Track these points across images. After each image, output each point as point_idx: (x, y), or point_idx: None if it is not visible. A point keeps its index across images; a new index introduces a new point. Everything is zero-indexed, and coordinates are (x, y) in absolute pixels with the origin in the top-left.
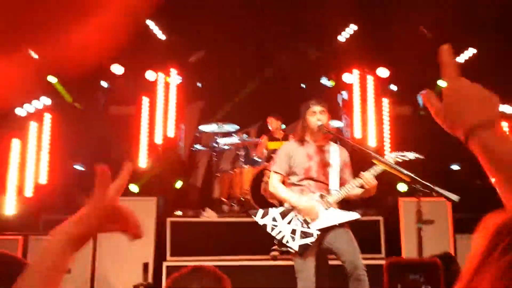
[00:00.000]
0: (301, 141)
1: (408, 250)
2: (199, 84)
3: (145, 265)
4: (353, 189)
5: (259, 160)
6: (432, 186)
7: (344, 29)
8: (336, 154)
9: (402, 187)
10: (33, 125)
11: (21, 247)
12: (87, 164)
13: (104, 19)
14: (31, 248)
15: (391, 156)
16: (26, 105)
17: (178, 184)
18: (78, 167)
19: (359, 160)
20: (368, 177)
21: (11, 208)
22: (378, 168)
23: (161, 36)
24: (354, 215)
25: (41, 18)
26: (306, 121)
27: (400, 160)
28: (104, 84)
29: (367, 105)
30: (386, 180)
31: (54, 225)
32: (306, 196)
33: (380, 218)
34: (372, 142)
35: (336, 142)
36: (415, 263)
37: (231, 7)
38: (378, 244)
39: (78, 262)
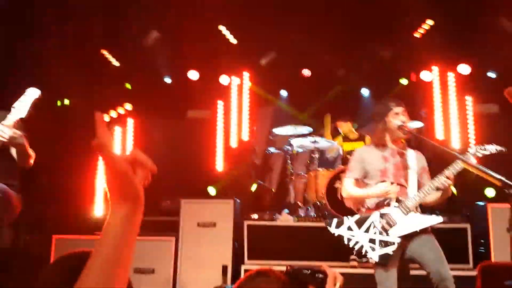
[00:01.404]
0: (379, 144)
1: (498, 260)
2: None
3: (224, 268)
4: (430, 192)
5: (335, 162)
6: None
7: (419, 24)
8: (413, 158)
9: (490, 192)
10: (117, 130)
11: None
12: (165, 168)
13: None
14: None
15: (471, 152)
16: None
17: (254, 187)
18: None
19: (442, 162)
20: (443, 178)
21: (100, 210)
22: (455, 167)
23: (233, 40)
24: (437, 219)
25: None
26: (388, 123)
27: (480, 155)
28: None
29: (449, 104)
30: (473, 185)
31: (144, 226)
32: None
33: (468, 225)
34: (455, 144)
35: (415, 145)
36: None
37: (301, 8)
38: (466, 254)
39: (160, 263)
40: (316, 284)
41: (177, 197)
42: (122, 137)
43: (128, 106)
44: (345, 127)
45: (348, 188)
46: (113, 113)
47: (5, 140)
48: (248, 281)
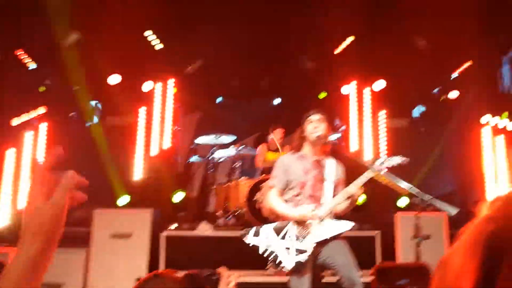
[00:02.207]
0: (298, 153)
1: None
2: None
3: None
4: (342, 200)
5: (256, 172)
6: (431, 198)
7: (341, 40)
8: (332, 169)
9: (402, 201)
10: (28, 135)
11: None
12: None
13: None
14: None
15: (379, 162)
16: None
17: (177, 197)
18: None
19: (355, 172)
20: (355, 188)
21: (3, 221)
22: (365, 176)
23: (159, 45)
24: (348, 225)
25: None
26: (304, 131)
27: (387, 165)
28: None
29: (363, 117)
30: (384, 195)
31: None
32: (301, 207)
33: (376, 233)
34: (368, 155)
35: (333, 155)
36: (403, 267)
37: (229, 19)
38: (373, 260)
39: (70, 275)
40: (211, 284)
41: (90, 206)
42: (33, 142)
43: (42, 110)
44: (279, 135)
45: (271, 200)
46: (24, 117)
47: None
48: (145, 283)
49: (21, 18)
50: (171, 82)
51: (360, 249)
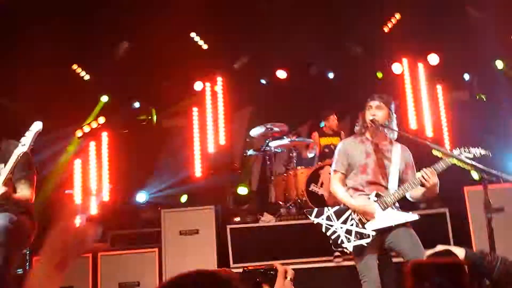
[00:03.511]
0: (360, 137)
1: (478, 242)
2: (263, 81)
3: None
4: (412, 188)
5: (312, 160)
6: (500, 173)
7: (388, 19)
8: (397, 154)
9: (471, 175)
10: (92, 144)
11: (91, 262)
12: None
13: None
14: (100, 263)
15: (456, 153)
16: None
17: (239, 191)
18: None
19: (419, 155)
20: (428, 173)
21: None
22: (442, 164)
23: (204, 45)
24: (412, 216)
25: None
26: (363, 116)
27: (464, 158)
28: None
29: (420, 94)
30: (451, 171)
31: (121, 240)
32: (362, 198)
33: (446, 210)
34: (429, 132)
35: (401, 140)
36: (438, 265)
37: (270, 11)
38: (446, 239)
39: (145, 276)
40: (267, 280)
41: (156, 207)
42: (96, 151)
43: (102, 119)
44: (334, 121)
45: (333, 185)
46: (86, 128)
47: None
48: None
49: (75, 33)
50: (219, 80)
51: (431, 228)
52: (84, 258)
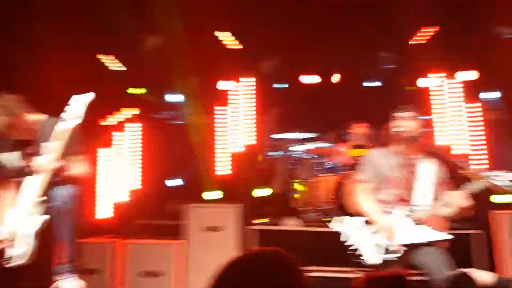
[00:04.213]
0: (388, 149)
1: (504, 267)
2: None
3: None
4: (441, 207)
5: (338, 168)
6: None
7: (422, 31)
8: (427, 169)
9: (496, 198)
10: (116, 135)
11: (116, 249)
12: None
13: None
14: (126, 251)
15: (493, 175)
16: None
17: (261, 192)
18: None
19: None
20: (453, 197)
21: (108, 212)
22: (473, 186)
23: (233, 45)
24: (443, 235)
25: None
26: (392, 128)
27: (497, 183)
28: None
29: (450, 110)
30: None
31: (148, 230)
32: (388, 214)
33: (469, 232)
34: (456, 150)
35: (432, 156)
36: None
37: (302, 14)
38: (469, 260)
39: (169, 263)
40: None
41: (182, 201)
42: (124, 142)
43: (136, 111)
44: (361, 130)
45: (358, 195)
46: (114, 118)
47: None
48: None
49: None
50: (250, 80)
51: (453, 248)
52: (110, 244)
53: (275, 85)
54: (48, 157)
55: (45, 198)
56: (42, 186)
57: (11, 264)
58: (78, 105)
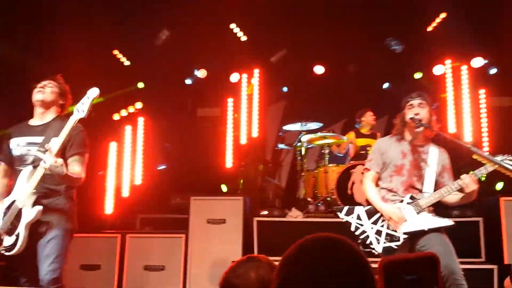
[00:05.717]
0: (398, 137)
1: (510, 254)
2: (284, 89)
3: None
4: (449, 193)
5: (345, 158)
6: None
7: (432, 18)
8: (434, 156)
9: (499, 185)
10: (128, 129)
11: (119, 244)
12: (176, 166)
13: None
14: (128, 245)
15: (497, 160)
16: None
17: (270, 183)
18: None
19: (458, 159)
20: (468, 180)
21: (109, 208)
22: (483, 170)
23: (243, 37)
24: (447, 222)
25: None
26: (404, 116)
27: (508, 166)
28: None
29: (461, 97)
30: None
31: (149, 223)
32: (394, 203)
33: (480, 219)
34: (468, 137)
35: (439, 142)
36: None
37: (312, 5)
38: (478, 247)
39: (170, 260)
40: None
41: (187, 195)
42: (132, 136)
43: (139, 105)
44: (370, 118)
45: (366, 184)
46: (124, 112)
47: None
48: (239, 267)
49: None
50: (256, 72)
51: (464, 236)
52: (113, 238)
53: (284, 77)
54: (52, 149)
55: (38, 192)
56: (38, 179)
57: (6, 253)
58: (84, 100)
